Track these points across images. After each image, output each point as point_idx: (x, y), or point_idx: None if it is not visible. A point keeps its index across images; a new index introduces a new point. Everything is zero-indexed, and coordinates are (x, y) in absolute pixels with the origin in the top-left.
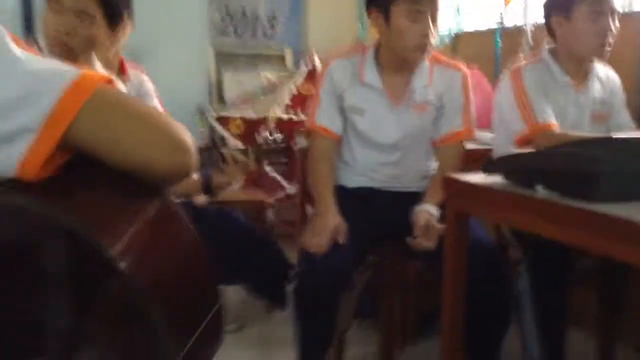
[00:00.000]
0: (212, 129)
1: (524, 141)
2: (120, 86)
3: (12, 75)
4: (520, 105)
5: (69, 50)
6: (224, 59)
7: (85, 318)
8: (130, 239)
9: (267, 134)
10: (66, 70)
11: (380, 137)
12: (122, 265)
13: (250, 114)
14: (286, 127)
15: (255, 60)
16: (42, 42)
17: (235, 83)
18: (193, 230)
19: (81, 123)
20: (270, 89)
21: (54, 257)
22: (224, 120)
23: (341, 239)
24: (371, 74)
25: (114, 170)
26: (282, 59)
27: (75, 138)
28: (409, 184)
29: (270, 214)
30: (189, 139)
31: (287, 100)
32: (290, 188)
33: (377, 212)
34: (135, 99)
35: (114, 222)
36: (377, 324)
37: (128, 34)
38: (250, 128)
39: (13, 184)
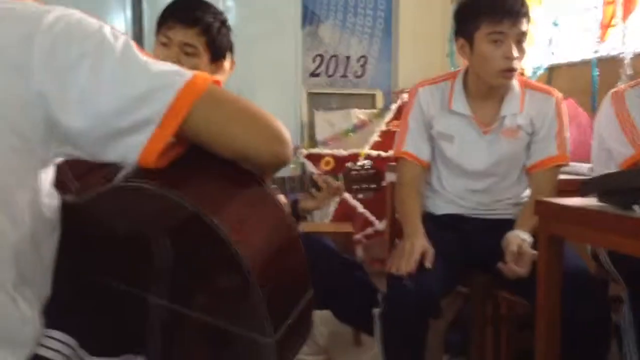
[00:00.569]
0: (303, 167)
1: (632, 165)
2: None
3: (140, 75)
4: (626, 129)
5: None
6: (316, 99)
7: (194, 298)
8: (240, 222)
9: (359, 162)
10: (183, 71)
11: (469, 164)
12: (235, 246)
13: (341, 151)
14: (376, 163)
15: (346, 100)
16: None
17: (326, 123)
18: (290, 218)
19: (195, 115)
20: (361, 127)
21: (176, 236)
22: (314, 158)
23: (429, 263)
24: (459, 102)
25: (221, 159)
26: (372, 98)
27: (190, 129)
28: (499, 212)
29: (359, 251)
30: (286, 132)
31: (376, 137)
32: (380, 224)
33: (467, 240)
34: (241, 97)
35: (226, 207)
36: None
37: (228, 72)
38: (340, 165)
39: (139, 171)
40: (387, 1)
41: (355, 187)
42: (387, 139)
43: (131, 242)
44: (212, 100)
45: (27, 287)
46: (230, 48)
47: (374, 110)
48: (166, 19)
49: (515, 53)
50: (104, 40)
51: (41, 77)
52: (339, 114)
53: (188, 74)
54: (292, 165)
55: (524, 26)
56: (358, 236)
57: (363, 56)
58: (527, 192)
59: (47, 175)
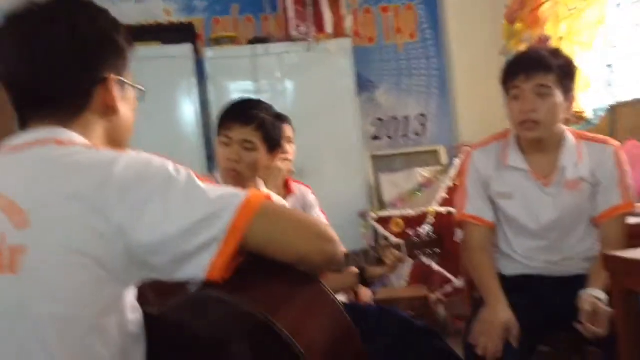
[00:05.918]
0: (374, 231)
1: None
2: (280, 201)
3: (202, 202)
4: None
5: (238, 175)
6: (380, 162)
7: None
8: (301, 321)
9: (420, 228)
10: (238, 193)
11: (533, 220)
12: (298, 347)
13: (410, 211)
14: (445, 220)
15: (409, 159)
16: (217, 174)
17: (393, 184)
18: (344, 312)
19: (253, 229)
20: (427, 186)
21: (246, 340)
22: (384, 220)
23: (514, 342)
24: (515, 156)
25: (277, 263)
26: (435, 155)
27: (249, 241)
28: (571, 268)
29: (441, 310)
30: (334, 233)
31: (443, 194)
32: (457, 281)
33: (540, 300)
34: (290, 208)
35: (287, 308)
36: None
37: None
38: (410, 225)
39: (208, 283)
40: (440, 62)
41: (417, 252)
42: (454, 195)
43: (203, 348)
44: (266, 214)
45: None
46: (282, 137)
47: (438, 167)
48: (225, 121)
49: (531, 106)
50: (170, 176)
51: (118, 214)
52: (402, 174)
53: (243, 194)
54: (363, 230)
55: (543, 79)
56: (437, 295)
57: (422, 114)
58: (597, 246)
59: (130, 293)
